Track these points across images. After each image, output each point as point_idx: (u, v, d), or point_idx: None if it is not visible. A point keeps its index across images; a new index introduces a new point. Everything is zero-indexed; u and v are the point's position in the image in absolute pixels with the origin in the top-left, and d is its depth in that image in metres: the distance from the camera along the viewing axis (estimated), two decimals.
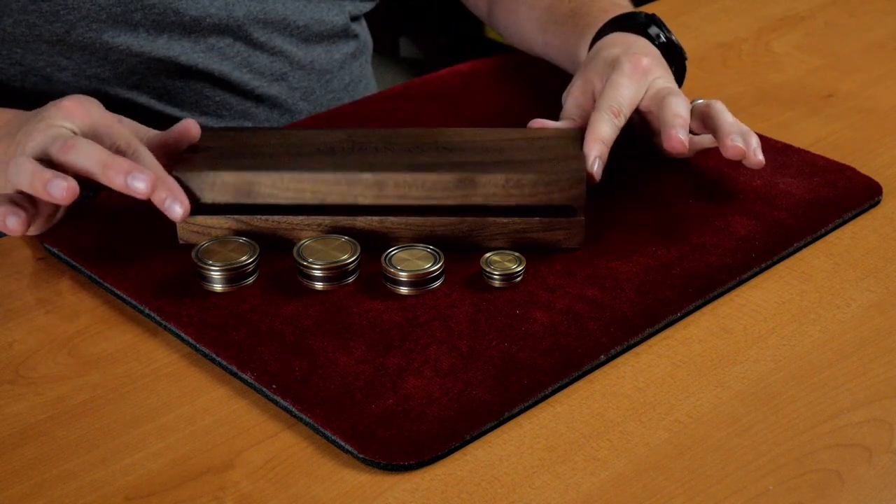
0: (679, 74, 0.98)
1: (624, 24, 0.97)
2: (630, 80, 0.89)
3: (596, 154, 0.85)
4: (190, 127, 0.86)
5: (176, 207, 0.80)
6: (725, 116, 0.89)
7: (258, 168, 0.83)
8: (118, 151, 0.81)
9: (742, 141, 0.87)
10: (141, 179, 0.78)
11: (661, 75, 0.91)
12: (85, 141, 0.80)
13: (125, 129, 0.84)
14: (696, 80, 1.11)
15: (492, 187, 0.82)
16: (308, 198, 0.83)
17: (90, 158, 0.79)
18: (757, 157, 0.87)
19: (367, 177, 0.82)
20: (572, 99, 0.94)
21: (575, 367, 0.74)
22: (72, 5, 0.96)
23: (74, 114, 0.83)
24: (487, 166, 0.83)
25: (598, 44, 0.95)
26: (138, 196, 0.79)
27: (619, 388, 0.73)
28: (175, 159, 0.85)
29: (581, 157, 0.84)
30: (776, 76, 1.14)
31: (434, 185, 0.82)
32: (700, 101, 0.91)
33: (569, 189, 0.82)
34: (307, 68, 1.12)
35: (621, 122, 0.87)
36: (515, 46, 1.16)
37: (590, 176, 0.84)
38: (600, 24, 0.98)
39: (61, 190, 0.78)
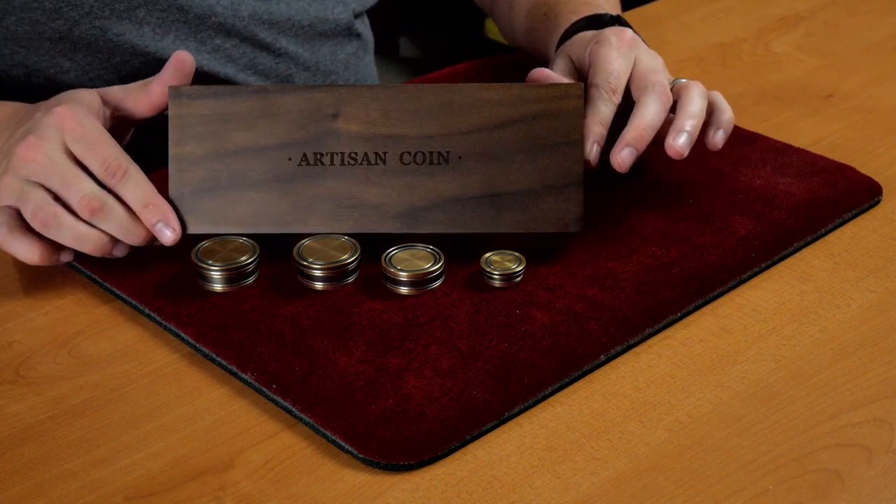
0: None
1: (592, 23, 0.97)
2: (618, 52, 0.89)
3: (594, 139, 0.85)
4: (184, 59, 0.85)
5: (167, 232, 0.81)
6: (690, 106, 0.87)
7: (257, 222, 0.82)
8: (108, 171, 0.81)
9: (687, 139, 0.85)
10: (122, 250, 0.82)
11: (644, 49, 0.91)
12: (63, 217, 0.80)
13: (116, 144, 0.83)
14: (695, 80, 1.11)
15: (492, 234, 0.83)
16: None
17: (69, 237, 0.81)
18: (713, 139, 0.87)
19: (368, 232, 0.82)
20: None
21: (575, 367, 0.74)
22: (74, 2, 0.96)
23: (65, 126, 0.82)
24: (486, 216, 0.82)
25: (570, 40, 0.95)
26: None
27: (619, 388, 0.73)
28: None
29: (580, 186, 0.83)
30: (776, 76, 1.14)
31: (433, 237, 0.83)
32: (682, 80, 0.91)
33: (567, 233, 0.82)
34: (312, 69, 1.12)
35: (618, 99, 0.87)
36: (513, 45, 1.17)
37: (587, 162, 0.84)
38: (568, 25, 0.98)
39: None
